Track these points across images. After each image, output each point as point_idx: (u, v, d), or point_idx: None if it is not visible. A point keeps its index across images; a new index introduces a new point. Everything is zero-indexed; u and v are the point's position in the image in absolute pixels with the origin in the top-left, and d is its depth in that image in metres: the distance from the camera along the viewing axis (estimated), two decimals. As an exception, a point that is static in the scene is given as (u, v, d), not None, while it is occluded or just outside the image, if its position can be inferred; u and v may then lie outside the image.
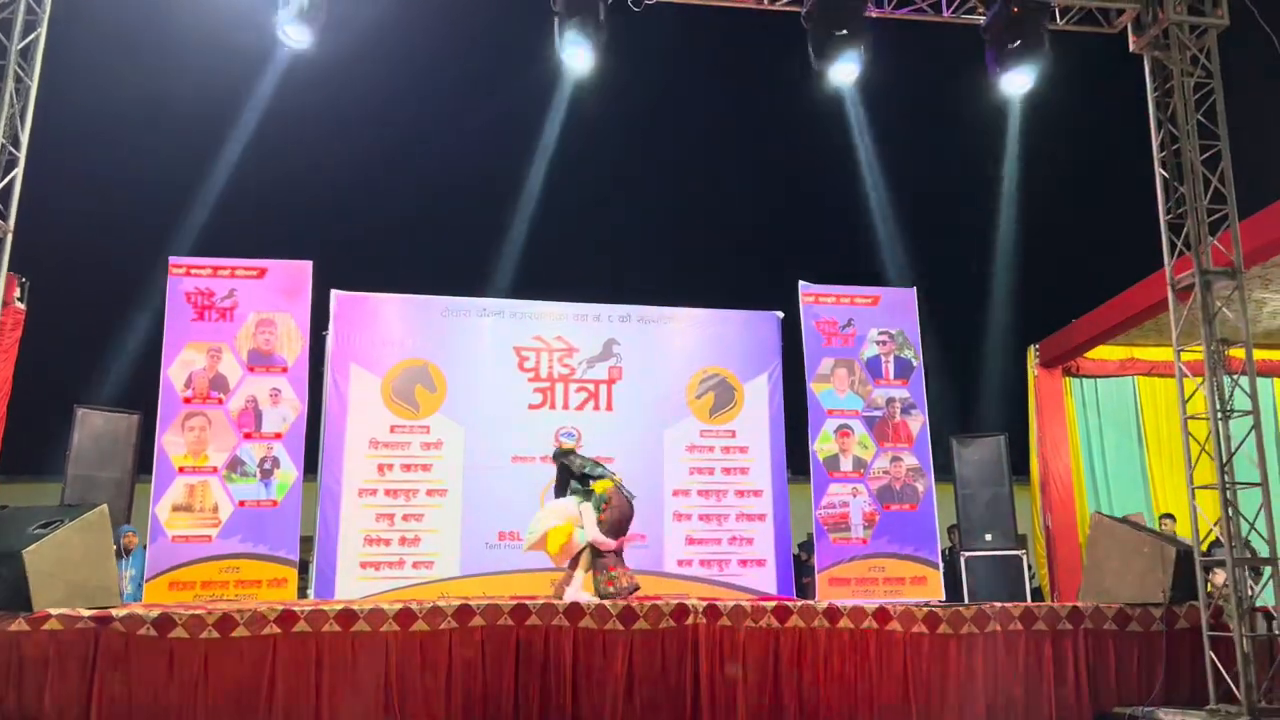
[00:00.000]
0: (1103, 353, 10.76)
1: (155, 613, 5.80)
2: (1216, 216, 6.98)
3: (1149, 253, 7.50)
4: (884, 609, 6.46)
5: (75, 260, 12.53)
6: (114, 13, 9.41)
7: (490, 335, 9.47)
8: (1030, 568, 10.00)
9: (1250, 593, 6.47)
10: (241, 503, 8.39)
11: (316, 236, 12.60)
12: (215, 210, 13.53)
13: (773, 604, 6.47)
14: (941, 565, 9.48)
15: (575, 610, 6.17)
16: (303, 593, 8.72)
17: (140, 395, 8.70)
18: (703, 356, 9.76)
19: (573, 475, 7.12)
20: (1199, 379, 6.89)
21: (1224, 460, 6.60)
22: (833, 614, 6.39)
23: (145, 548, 8.32)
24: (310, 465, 8.81)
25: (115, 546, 7.27)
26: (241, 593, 8.09)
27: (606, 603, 6.30)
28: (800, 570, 10.15)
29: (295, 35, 7.13)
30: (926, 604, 6.77)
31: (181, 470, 8.37)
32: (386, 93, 14.05)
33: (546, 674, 6.03)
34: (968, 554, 9.56)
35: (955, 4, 7.68)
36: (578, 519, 6.82)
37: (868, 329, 9.76)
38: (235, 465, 8.46)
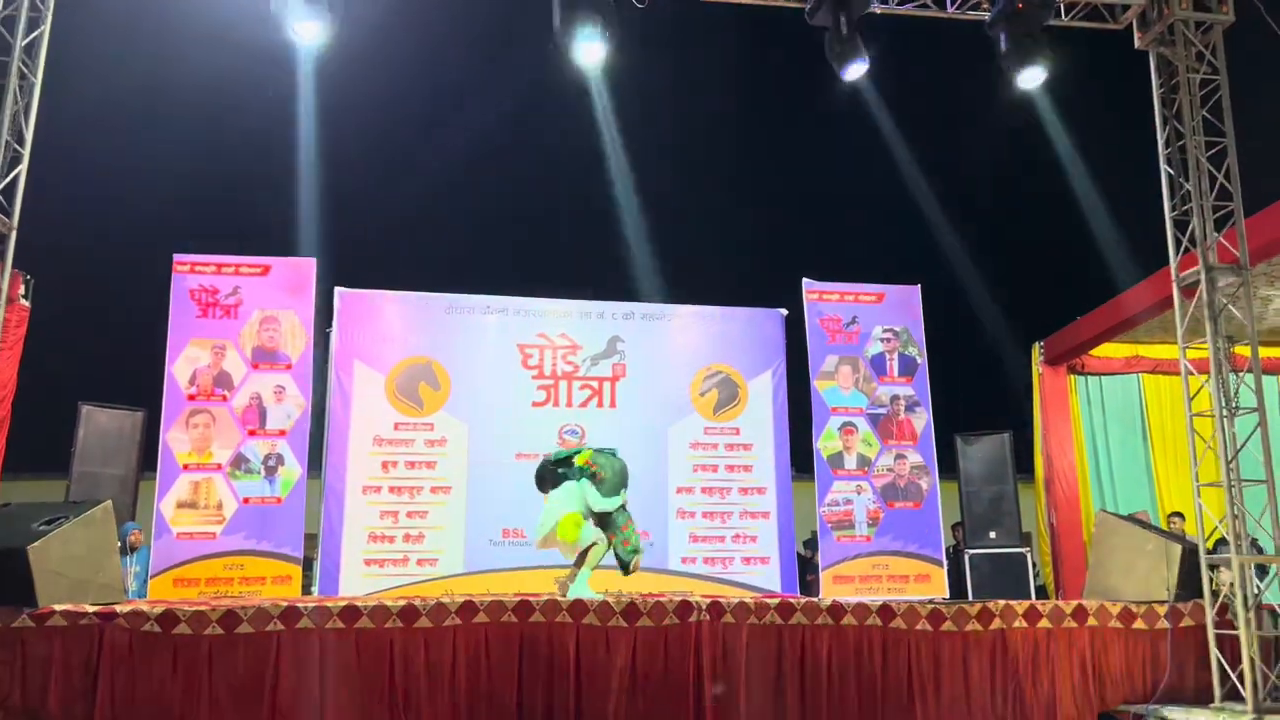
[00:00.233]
0: (1108, 350, 10.73)
1: (159, 609, 5.80)
2: (1222, 213, 6.96)
3: (1154, 250, 7.49)
4: (888, 606, 6.45)
5: (80, 257, 12.55)
6: (118, 10, 9.42)
7: (494, 332, 9.47)
8: (1034, 566, 9.98)
9: (1256, 590, 6.45)
10: (246, 499, 8.40)
11: (320, 234, 12.61)
12: (220, 207, 13.57)
13: (776, 601, 6.47)
14: (945, 563, 9.47)
15: (579, 607, 6.17)
16: (307, 589, 8.73)
17: (145, 392, 8.70)
18: (707, 354, 9.75)
19: (548, 473, 7.10)
20: (1204, 376, 6.87)
21: (1229, 457, 6.58)
22: (836, 611, 6.38)
23: (150, 545, 8.33)
24: (314, 462, 8.81)
25: (121, 543, 7.29)
26: (246, 589, 8.09)
27: (610, 600, 6.30)
28: (804, 568, 10.13)
29: (306, 32, 7.11)
30: (930, 601, 6.76)
31: (186, 467, 8.38)
32: (392, 90, 14.06)
33: (550, 671, 6.03)
34: (972, 552, 9.55)
35: (959, 0, 7.66)
36: (582, 499, 6.82)
37: (872, 326, 9.75)
38: (239, 462, 8.47)
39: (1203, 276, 6.83)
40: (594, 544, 6.85)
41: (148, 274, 9.51)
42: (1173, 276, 7.12)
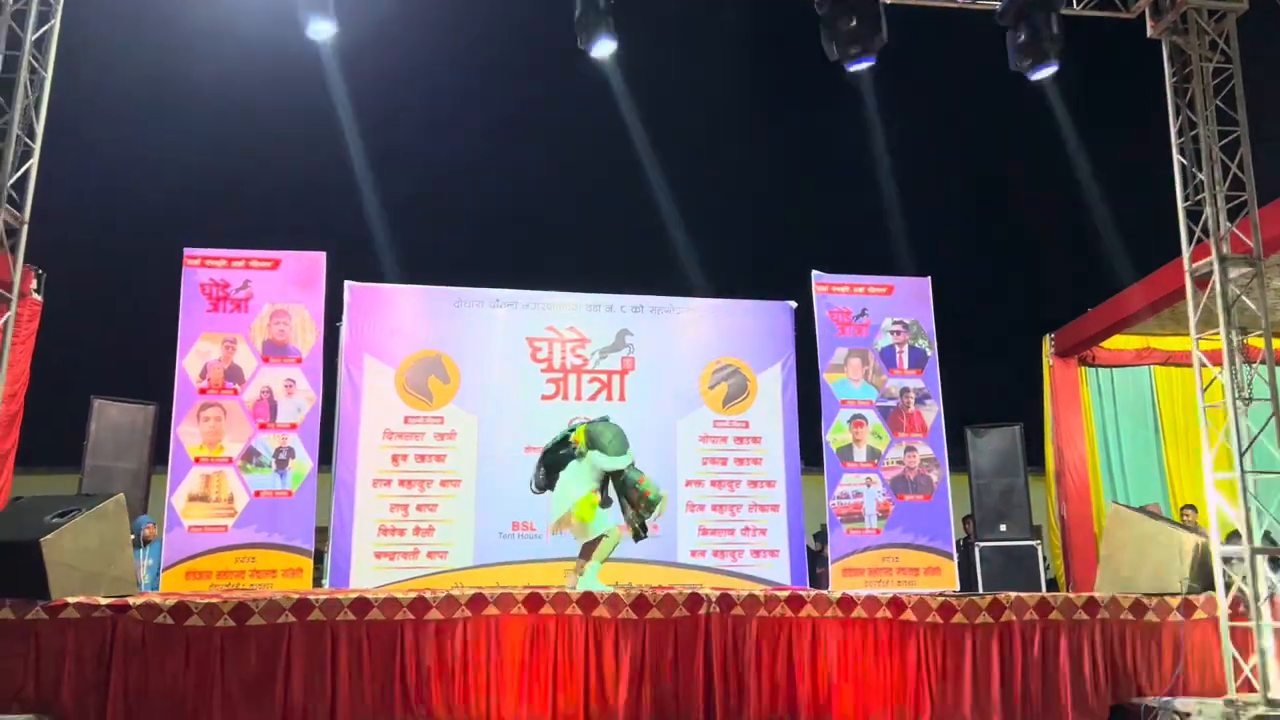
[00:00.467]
0: (1119, 342, 10.69)
1: (171, 601, 5.83)
2: (1235, 203, 6.90)
3: (1166, 241, 7.44)
4: (898, 599, 6.43)
5: (90, 251, 12.59)
6: (127, 3, 9.43)
7: (503, 326, 9.48)
8: (1045, 558, 9.96)
9: (1269, 582, 6.41)
10: (257, 493, 8.44)
11: (330, 228, 12.64)
12: (230, 201, 13.60)
13: (786, 594, 6.46)
14: (956, 556, 9.44)
15: (589, 599, 6.17)
16: (318, 582, 8.77)
17: (156, 386, 8.74)
18: (716, 347, 9.74)
19: (551, 460, 7.12)
20: (1217, 368, 6.83)
21: (1243, 449, 6.54)
22: (847, 604, 6.37)
23: (162, 538, 8.37)
24: (325, 456, 8.84)
25: (134, 536, 7.32)
26: (257, 582, 8.13)
27: (620, 592, 6.30)
28: (814, 561, 10.13)
29: (318, 28, 7.11)
30: (941, 594, 6.75)
31: (197, 461, 8.42)
32: (401, 83, 14.05)
33: (560, 663, 6.04)
34: (982, 544, 9.53)
35: (970, -10, 7.61)
36: (592, 470, 6.84)
37: (882, 319, 9.71)
38: (250, 456, 8.50)
39: (1216, 267, 6.78)
40: (604, 535, 6.86)
41: (158, 267, 9.55)
42: (1185, 267, 7.08)
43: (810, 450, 9.79)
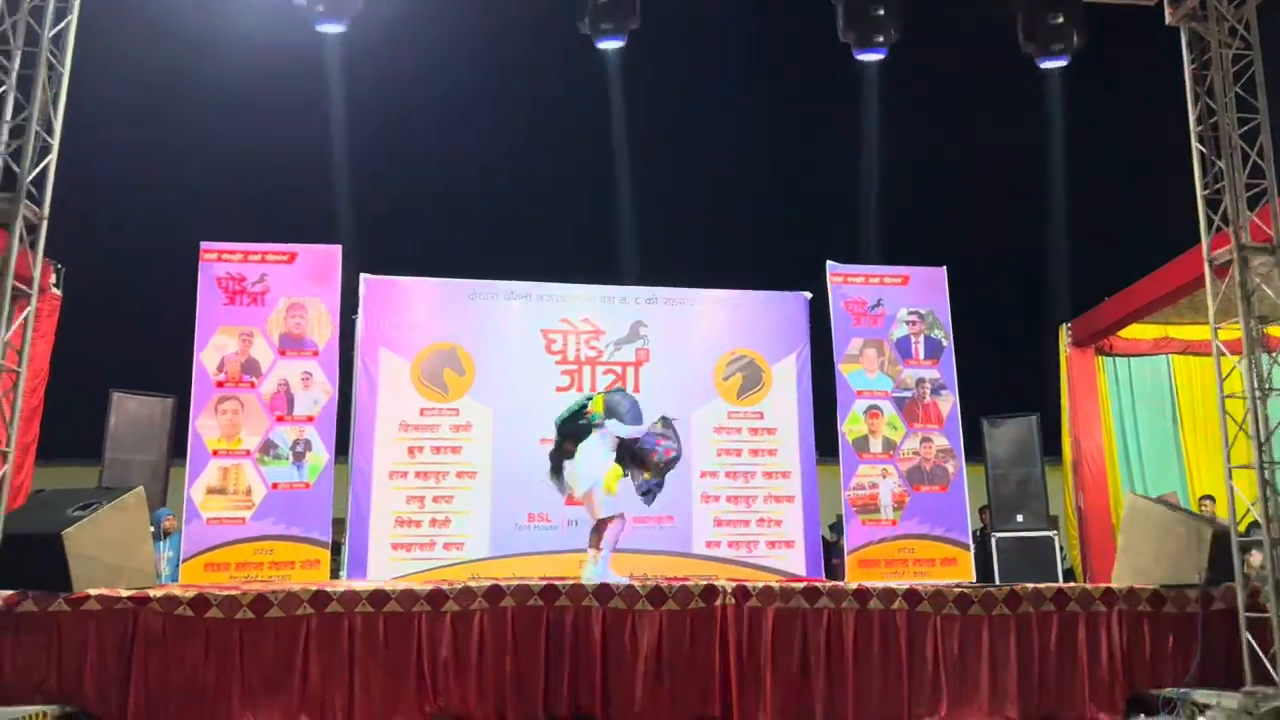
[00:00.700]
0: (1136, 331, 10.61)
1: (191, 593, 5.89)
2: (1255, 191, 6.84)
3: (1184, 229, 7.38)
4: (914, 590, 6.43)
5: (109, 246, 12.67)
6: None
7: (517, 318, 9.49)
8: (1062, 549, 9.91)
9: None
10: (275, 485, 8.48)
11: (345, 221, 12.68)
12: (246, 195, 13.65)
13: (802, 585, 6.47)
14: (972, 547, 9.41)
15: (605, 591, 6.20)
16: (335, 574, 8.82)
17: (174, 379, 8.79)
18: (730, 338, 9.73)
19: (569, 428, 7.23)
20: (1236, 357, 6.78)
21: (1262, 439, 6.49)
22: (862, 595, 6.37)
23: (181, 530, 8.44)
24: (341, 448, 8.88)
25: (154, 529, 7.38)
26: (275, 574, 8.19)
27: (635, 583, 6.32)
28: (829, 552, 10.12)
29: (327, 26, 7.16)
30: (957, 585, 6.74)
31: (215, 453, 8.47)
32: (416, 77, 14.06)
33: (576, 654, 6.07)
34: (999, 535, 9.48)
35: (986, -22, 7.56)
36: (612, 441, 6.97)
37: (897, 309, 9.67)
38: (268, 448, 8.55)
39: (1235, 256, 6.73)
40: (619, 516, 6.93)
41: (175, 262, 9.60)
42: (1204, 256, 7.02)
43: (825, 441, 9.77)
